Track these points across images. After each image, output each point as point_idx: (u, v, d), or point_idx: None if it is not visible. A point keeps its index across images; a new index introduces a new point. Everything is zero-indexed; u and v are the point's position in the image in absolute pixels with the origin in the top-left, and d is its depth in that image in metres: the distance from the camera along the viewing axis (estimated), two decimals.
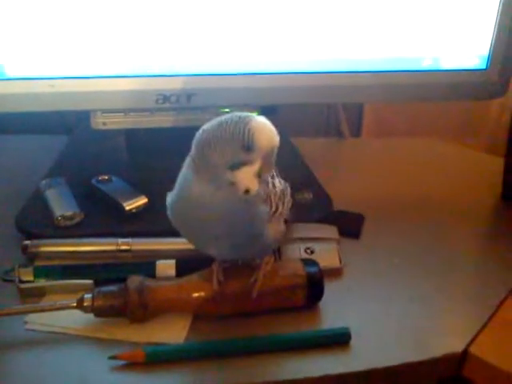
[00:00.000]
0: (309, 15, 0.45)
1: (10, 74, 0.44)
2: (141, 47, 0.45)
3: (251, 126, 0.31)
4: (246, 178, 0.31)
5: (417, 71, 0.48)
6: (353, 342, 0.35)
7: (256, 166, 0.31)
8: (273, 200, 0.34)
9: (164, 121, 0.48)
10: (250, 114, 0.32)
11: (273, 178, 0.36)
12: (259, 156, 0.31)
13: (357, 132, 0.71)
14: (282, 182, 0.37)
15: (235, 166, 0.31)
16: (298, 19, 0.45)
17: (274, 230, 0.35)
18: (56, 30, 0.43)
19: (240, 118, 0.32)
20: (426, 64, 0.48)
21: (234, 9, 0.44)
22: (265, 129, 0.31)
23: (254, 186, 0.31)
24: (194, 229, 0.35)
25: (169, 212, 0.35)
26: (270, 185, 0.35)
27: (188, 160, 0.34)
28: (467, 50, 0.48)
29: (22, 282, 0.38)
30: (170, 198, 0.35)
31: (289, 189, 0.37)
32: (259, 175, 0.31)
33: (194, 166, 0.33)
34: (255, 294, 0.36)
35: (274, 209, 0.34)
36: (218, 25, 0.44)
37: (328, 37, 0.46)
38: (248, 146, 0.31)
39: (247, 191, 0.31)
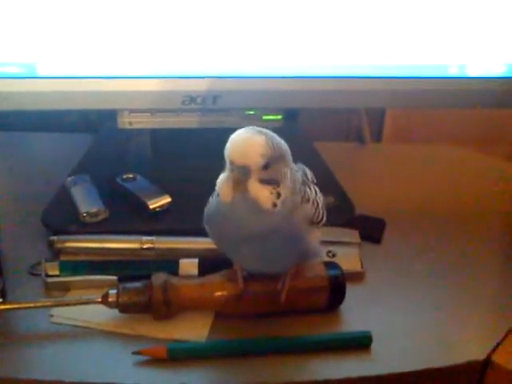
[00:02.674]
0: (335, 20, 0.45)
1: (41, 72, 0.45)
2: (169, 49, 0.45)
3: (231, 136, 0.32)
4: (219, 182, 0.32)
5: (442, 78, 0.48)
6: (374, 345, 0.35)
7: (226, 174, 0.32)
8: (320, 208, 0.35)
9: (189, 122, 0.49)
10: (254, 128, 0.32)
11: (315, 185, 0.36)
12: (230, 167, 0.31)
13: (377, 137, 0.71)
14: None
15: (223, 170, 0.32)
16: (325, 23, 0.45)
17: (314, 238, 0.35)
18: (87, 31, 0.44)
19: (249, 127, 0.32)
20: (452, 71, 0.48)
21: (261, 12, 0.44)
22: (232, 141, 0.31)
23: (223, 191, 0.32)
24: (228, 243, 0.35)
25: (205, 223, 0.36)
26: (313, 192, 0.35)
27: None
28: (494, 57, 0.48)
29: (48, 276, 0.39)
30: (207, 209, 0.35)
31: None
32: (234, 187, 0.31)
33: None
34: (284, 298, 0.36)
35: (320, 218, 0.35)
36: (245, 28, 0.45)
37: (353, 41, 0.46)
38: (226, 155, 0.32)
39: (218, 194, 0.32)
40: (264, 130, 0.32)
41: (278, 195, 0.32)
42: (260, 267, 0.36)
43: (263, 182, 0.31)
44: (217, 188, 0.33)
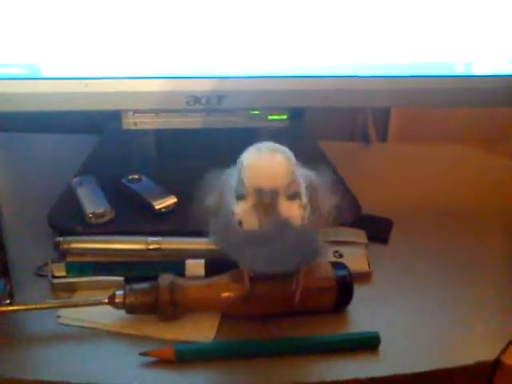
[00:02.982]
0: (339, 19, 0.45)
1: (46, 73, 0.45)
2: (173, 49, 0.45)
3: (244, 158, 0.31)
4: (241, 212, 0.31)
5: (448, 76, 0.48)
6: (382, 347, 0.35)
7: (249, 202, 0.31)
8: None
9: (194, 122, 0.49)
10: (266, 145, 0.32)
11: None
12: (249, 193, 0.30)
13: (383, 137, 0.71)
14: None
15: (238, 197, 0.31)
16: (328, 22, 0.45)
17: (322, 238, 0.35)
18: (90, 32, 0.44)
19: (254, 147, 0.31)
20: (458, 69, 0.48)
21: (265, 12, 0.44)
22: (253, 167, 0.30)
23: (247, 220, 0.31)
24: (237, 249, 0.34)
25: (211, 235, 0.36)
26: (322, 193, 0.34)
27: None
28: (500, 55, 0.48)
29: (54, 277, 0.39)
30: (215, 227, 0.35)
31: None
32: (264, 213, 0.30)
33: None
34: (297, 298, 0.36)
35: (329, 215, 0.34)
36: (250, 27, 0.45)
37: (359, 40, 0.46)
38: (241, 181, 0.31)
39: (240, 223, 0.31)
40: (271, 144, 0.32)
41: (304, 208, 0.31)
42: (267, 268, 0.35)
43: (289, 198, 0.31)
44: (238, 216, 0.31)
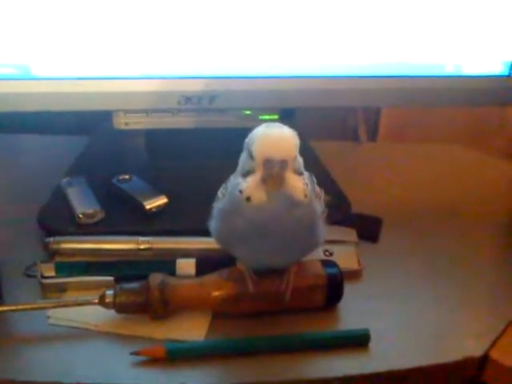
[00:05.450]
0: (330, 19, 0.45)
1: (36, 73, 0.45)
2: (164, 49, 0.45)
3: (254, 134, 0.32)
4: (250, 186, 0.32)
5: (439, 76, 0.48)
6: (371, 344, 0.35)
7: (258, 176, 0.31)
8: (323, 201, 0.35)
9: (185, 122, 0.49)
10: (273, 123, 0.33)
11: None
12: (259, 165, 0.31)
13: (372, 136, 0.71)
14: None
15: (244, 174, 0.32)
16: (319, 23, 0.45)
17: (323, 231, 0.35)
18: (80, 31, 0.44)
19: (262, 125, 0.33)
20: (448, 70, 0.48)
21: (256, 12, 0.44)
22: (263, 138, 0.32)
23: (255, 195, 0.31)
24: (240, 239, 0.34)
25: (212, 220, 0.35)
26: (317, 187, 0.35)
27: None
28: (490, 56, 0.48)
29: (44, 277, 0.39)
30: (219, 205, 0.35)
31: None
32: (272, 185, 0.31)
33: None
34: (288, 297, 0.36)
35: (323, 209, 0.35)
36: (240, 28, 0.45)
37: (349, 41, 0.46)
38: (250, 154, 0.32)
39: (248, 199, 0.32)
40: (278, 123, 0.33)
41: (306, 185, 0.32)
42: (269, 261, 0.35)
43: (295, 172, 0.32)
44: (246, 193, 0.32)
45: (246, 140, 0.33)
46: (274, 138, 0.31)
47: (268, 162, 0.31)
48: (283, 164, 0.31)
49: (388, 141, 0.70)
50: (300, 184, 0.32)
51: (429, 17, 0.46)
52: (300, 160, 0.33)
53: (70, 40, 0.44)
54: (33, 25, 0.43)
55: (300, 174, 0.33)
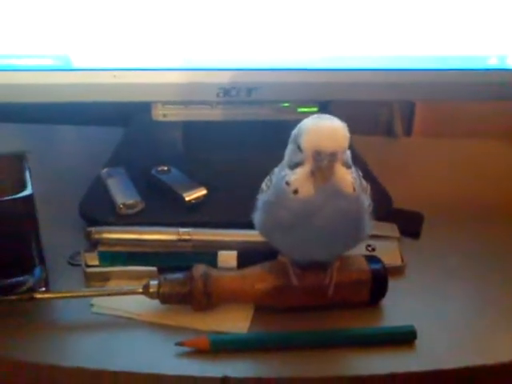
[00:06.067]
0: (369, 12, 0.45)
1: (76, 64, 0.45)
2: (203, 40, 0.45)
3: (302, 125, 0.32)
4: (298, 178, 0.31)
5: (482, 70, 0.47)
6: (418, 341, 0.35)
7: (307, 168, 0.31)
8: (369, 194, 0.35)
9: (223, 114, 0.49)
10: (323, 115, 0.32)
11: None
12: (308, 157, 0.31)
13: (407, 131, 0.70)
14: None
15: (292, 166, 0.32)
16: (359, 16, 0.45)
17: (369, 225, 0.35)
18: (120, 23, 0.44)
19: (311, 117, 0.32)
20: (492, 62, 0.47)
21: (294, 5, 0.44)
22: (313, 130, 0.31)
23: (303, 187, 0.31)
24: (285, 231, 0.34)
25: (257, 211, 0.35)
26: (364, 180, 0.35)
27: None
28: None
29: (88, 266, 0.39)
30: (264, 197, 0.35)
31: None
32: (321, 178, 0.31)
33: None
34: (331, 292, 0.35)
35: (369, 203, 0.34)
36: (280, 20, 0.44)
37: (390, 33, 0.45)
38: (299, 146, 0.31)
39: (295, 191, 0.31)
40: (328, 115, 0.32)
41: (354, 178, 0.32)
42: (313, 254, 0.35)
43: (344, 165, 0.31)
44: (294, 185, 0.31)
45: (294, 131, 0.33)
46: (325, 129, 0.31)
47: (318, 155, 0.30)
48: (333, 157, 0.30)
49: (422, 136, 0.69)
50: (348, 177, 0.32)
51: (471, 8, 0.45)
52: (348, 153, 0.32)
53: (109, 31, 0.44)
54: (73, 16, 0.43)
55: (348, 167, 0.32)
